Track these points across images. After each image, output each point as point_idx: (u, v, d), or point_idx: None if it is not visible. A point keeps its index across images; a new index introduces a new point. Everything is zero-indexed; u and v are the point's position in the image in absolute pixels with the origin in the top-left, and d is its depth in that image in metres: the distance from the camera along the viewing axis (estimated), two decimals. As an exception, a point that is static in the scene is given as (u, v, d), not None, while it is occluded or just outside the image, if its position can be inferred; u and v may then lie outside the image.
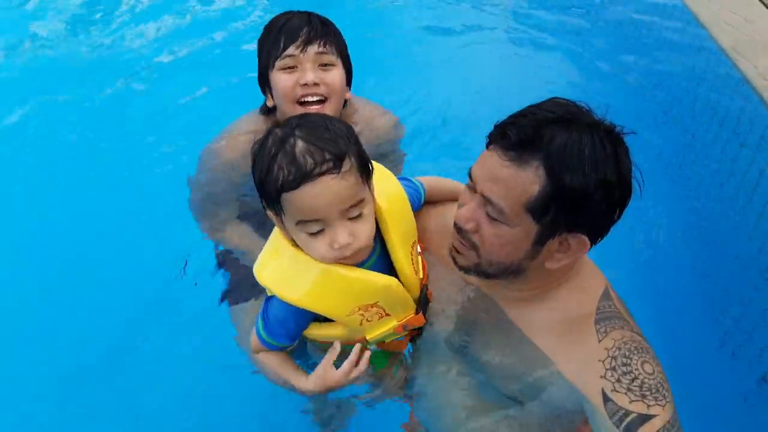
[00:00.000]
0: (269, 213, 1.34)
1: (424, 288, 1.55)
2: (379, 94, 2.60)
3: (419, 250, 1.55)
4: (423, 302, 1.53)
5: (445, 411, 1.54)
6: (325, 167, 1.20)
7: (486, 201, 1.27)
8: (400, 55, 4.03)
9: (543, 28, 4.20)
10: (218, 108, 3.10)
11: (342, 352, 1.49)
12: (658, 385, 1.25)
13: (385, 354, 1.66)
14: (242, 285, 2.08)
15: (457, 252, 1.42)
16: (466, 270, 1.43)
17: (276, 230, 1.43)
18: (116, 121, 3.39)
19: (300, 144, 1.21)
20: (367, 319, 1.43)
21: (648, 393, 1.23)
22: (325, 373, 1.45)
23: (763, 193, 2.50)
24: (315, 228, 1.27)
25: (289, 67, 1.92)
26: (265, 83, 2.04)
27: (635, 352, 1.29)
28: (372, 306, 1.41)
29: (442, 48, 4.15)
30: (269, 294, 1.46)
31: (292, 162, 1.20)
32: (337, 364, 1.47)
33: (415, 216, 1.53)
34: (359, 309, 1.40)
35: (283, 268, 1.39)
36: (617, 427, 1.21)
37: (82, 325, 2.32)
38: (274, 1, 4.55)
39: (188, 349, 2.23)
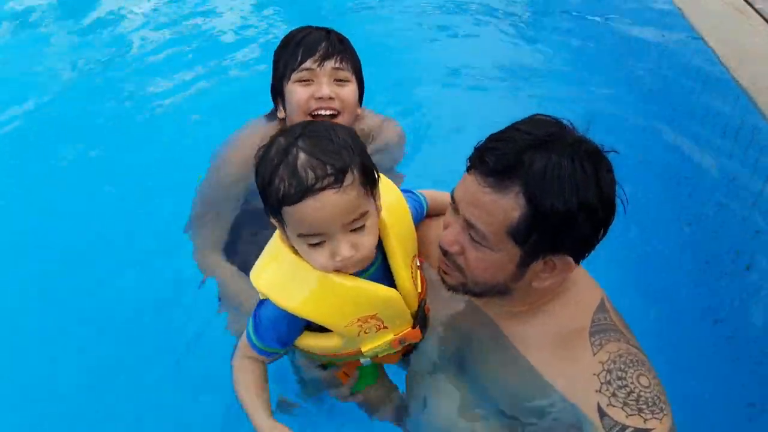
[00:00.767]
0: (272, 220, 1.33)
1: (422, 302, 1.54)
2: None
3: (418, 263, 1.55)
4: (420, 317, 1.52)
5: (440, 427, 1.53)
6: (326, 182, 1.17)
7: (469, 225, 1.28)
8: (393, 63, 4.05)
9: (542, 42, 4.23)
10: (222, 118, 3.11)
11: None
12: (655, 397, 1.25)
13: (374, 370, 1.66)
14: None
15: (444, 273, 1.44)
16: (454, 289, 1.45)
17: (276, 235, 1.41)
18: (126, 132, 3.42)
19: (302, 156, 1.19)
20: (365, 331, 1.41)
21: (645, 406, 1.23)
22: None
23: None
24: (316, 240, 1.26)
25: (305, 80, 1.95)
26: (277, 94, 2.06)
27: (631, 365, 1.28)
28: (371, 317, 1.39)
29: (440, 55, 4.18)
30: (262, 297, 1.43)
31: (293, 175, 1.18)
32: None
33: (415, 228, 1.53)
34: (358, 320, 1.38)
35: (283, 273, 1.37)
36: None
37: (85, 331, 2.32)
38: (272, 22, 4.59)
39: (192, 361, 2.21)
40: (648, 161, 2.97)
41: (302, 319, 1.39)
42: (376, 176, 1.32)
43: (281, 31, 3.73)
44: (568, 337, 1.36)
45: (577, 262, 1.32)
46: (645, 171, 2.89)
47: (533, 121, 1.27)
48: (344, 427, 1.86)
